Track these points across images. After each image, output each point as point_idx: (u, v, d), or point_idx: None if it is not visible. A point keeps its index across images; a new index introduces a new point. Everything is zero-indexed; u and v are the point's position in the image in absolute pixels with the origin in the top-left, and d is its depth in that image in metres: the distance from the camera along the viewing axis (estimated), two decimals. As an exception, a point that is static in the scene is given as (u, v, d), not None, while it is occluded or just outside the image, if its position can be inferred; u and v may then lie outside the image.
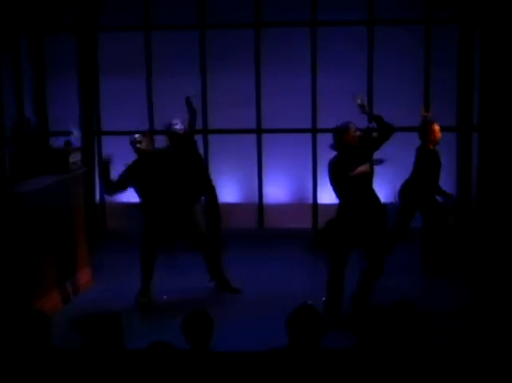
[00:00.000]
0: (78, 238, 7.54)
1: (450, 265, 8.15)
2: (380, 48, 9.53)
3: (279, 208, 9.96)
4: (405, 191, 8.06)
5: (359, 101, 6.75)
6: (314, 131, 9.79)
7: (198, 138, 9.26)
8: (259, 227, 10.06)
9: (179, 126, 8.40)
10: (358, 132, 6.52)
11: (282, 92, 9.66)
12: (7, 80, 9.17)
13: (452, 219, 9.38)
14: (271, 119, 9.79)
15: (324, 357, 4.04)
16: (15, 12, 9.02)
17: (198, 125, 9.63)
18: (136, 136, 7.21)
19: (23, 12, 9.16)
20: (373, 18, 9.53)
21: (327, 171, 6.53)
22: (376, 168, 6.51)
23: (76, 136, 8.16)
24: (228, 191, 9.88)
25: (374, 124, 6.75)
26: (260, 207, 10.04)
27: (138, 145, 7.15)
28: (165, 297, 7.34)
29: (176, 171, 7.30)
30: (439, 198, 8.11)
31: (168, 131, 8.43)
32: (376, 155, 6.50)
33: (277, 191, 9.99)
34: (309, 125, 9.76)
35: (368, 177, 6.43)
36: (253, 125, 9.85)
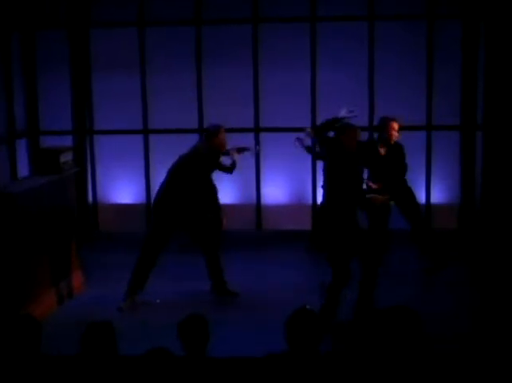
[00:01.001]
0: (69, 240, 7.50)
1: (450, 265, 8.10)
2: (381, 44, 9.41)
3: (277, 209, 9.86)
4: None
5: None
6: (314, 130, 9.62)
7: (194, 137, 9.07)
8: (257, 229, 9.94)
9: None
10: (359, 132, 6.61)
11: (281, 90, 9.56)
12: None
13: (456, 220, 9.49)
14: (269, 117, 9.67)
15: (323, 361, 4.00)
16: (6, 8, 8.81)
17: (194, 125, 9.50)
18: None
19: (14, 7, 8.96)
20: (374, 13, 9.42)
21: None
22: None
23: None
24: (225, 192, 9.66)
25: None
26: (258, 208, 9.91)
27: None
28: (158, 300, 7.28)
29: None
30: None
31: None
32: None
33: (275, 191, 9.88)
34: (308, 124, 9.55)
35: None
36: (250, 124, 9.72)
